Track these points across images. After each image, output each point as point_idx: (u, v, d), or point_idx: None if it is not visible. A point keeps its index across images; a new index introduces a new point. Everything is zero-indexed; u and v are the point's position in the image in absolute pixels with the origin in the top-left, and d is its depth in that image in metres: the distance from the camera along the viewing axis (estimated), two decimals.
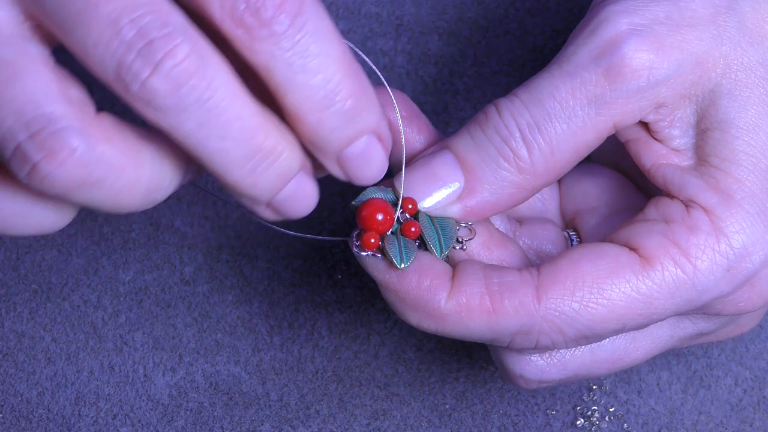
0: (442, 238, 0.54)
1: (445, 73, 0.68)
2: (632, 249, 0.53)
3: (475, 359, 0.66)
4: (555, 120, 0.53)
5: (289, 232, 0.57)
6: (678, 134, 0.54)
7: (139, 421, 0.65)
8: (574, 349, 0.56)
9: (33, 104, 0.46)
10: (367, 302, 0.67)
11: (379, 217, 0.53)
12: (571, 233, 0.58)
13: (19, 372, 0.66)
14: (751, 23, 0.53)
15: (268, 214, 0.51)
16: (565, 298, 0.52)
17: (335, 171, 0.51)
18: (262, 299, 0.66)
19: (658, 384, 0.65)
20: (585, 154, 0.54)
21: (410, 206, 0.54)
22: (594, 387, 0.65)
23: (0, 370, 0.66)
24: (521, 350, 0.55)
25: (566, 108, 0.53)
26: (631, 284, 0.52)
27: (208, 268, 0.67)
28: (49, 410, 0.65)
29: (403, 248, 0.53)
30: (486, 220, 0.56)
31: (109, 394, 0.65)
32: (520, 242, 0.58)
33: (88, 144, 0.46)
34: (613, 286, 0.52)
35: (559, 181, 0.60)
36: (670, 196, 0.54)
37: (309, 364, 0.65)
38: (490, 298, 0.52)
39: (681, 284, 0.52)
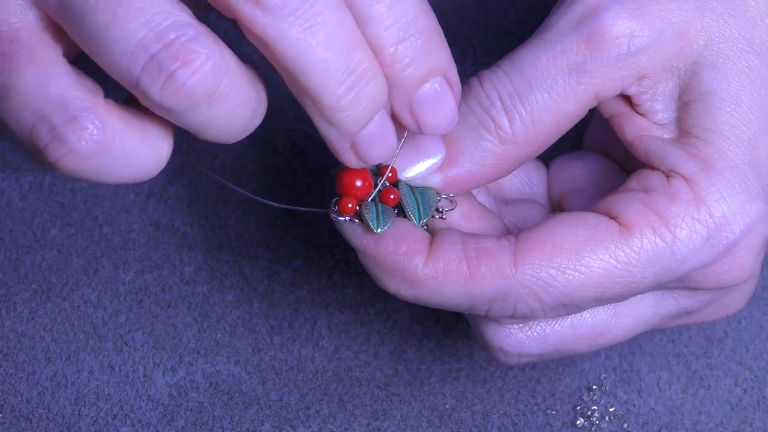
0: (421, 206, 0.54)
1: None
2: (612, 218, 0.53)
3: (475, 359, 0.66)
4: (536, 89, 0.53)
5: (274, 203, 0.57)
6: (660, 108, 0.54)
7: (139, 421, 0.65)
8: (554, 322, 0.55)
9: (163, 14, 0.46)
10: (367, 302, 0.67)
11: (358, 183, 0.53)
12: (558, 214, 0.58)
13: (19, 372, 0.66)
14: None
15: (351, 158, 0.51)
16: (543, 263, 0.52)
17: (406, 117, 0.51)
18: (262, 299, 0.66)
19: (658, 384, 0.65)
20: (567, 126, 0.53)
21: (390, 174, 0.54)
22: (594, 387, 0.65)
23: (0, 370, 0.66)
24: (500, 319, 0.54)
25: (547, 77, 0.52)
26: (609, 251, 0.52)
27: (208, 268, 0.67)
28: (49, 410, 0.65)
29: (380, 214, 0.53)
30: (468, 193, 0.56)
31: (109, 394, 0.65)
32: (505, 220, 0.58)
33: (220, 52, 0.47)
34: (592, 253, 0.52)
35: (548, 166, 0.60)
36: (651, 167, 0.54)
37: (309, 364, 0.65)
38: (467, 264, 0.52)
39: (660, 252, 0.52)
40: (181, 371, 0.65)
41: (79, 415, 0.65)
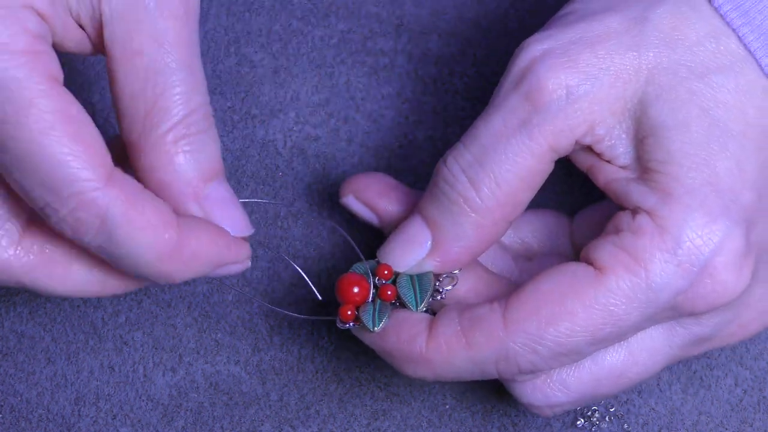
0: (418, 293, 0.57)
1: (445, 73, 0.68)
2: (589, 263, 0.54)
3: None
4: (492, 152, 0.55)
5: (294, 314, 0.59)
6: (622, 151, 0.55)
7: (139, 421, 0.65)
8: (571, 369, 0.57)
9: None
10: None
11: (355, 289, 0.58)
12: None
13: (19, 372, 0.66)
14: (668, 28, 0.54)
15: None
16: (529, 319, 0.54)
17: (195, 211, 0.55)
18: (262, 299, 0.66)
19: (658, 384, 0.65)
20: (535, 182, 0.55)
21: (386, 272, 0.58)
22: None
23: (0, 370, 0.66)
24: (513, 378, 0.57)
25: (501, 138, 0.54)
26: (588, 296, 0.54)
27: None
28: (49, 410, 0.65)
29: (376, 312, 0.57)
30: (475, 265, 0.59)
31: (109, 394, 0.65)
32: (525, 277, 0.60)
33: None
34: (572, 300, 0.54)
35: (572, 217, 0.61)
36: (623, 208, 0.55)
37: (309, 364, 0.65)
38: (464, 335, 0.55)
39: (636, 287, 0.53)
40: (181, 371, 0.65)
41: (79, 415, 0.65)
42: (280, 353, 0.66)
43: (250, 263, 0.56)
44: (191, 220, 0.53)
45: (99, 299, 0.66)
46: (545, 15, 0.68)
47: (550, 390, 0.57)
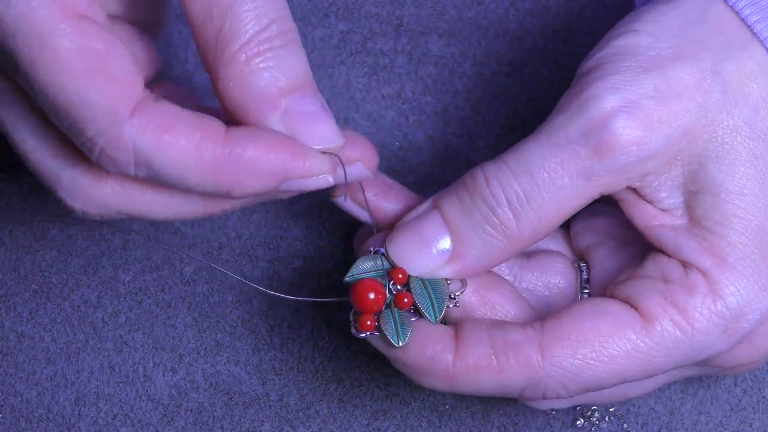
0: (435, 303, 0.56)
1: (445, 73, 0.68)
2: (633, 307, 0.54)
3: None
4: (543, 190, 0.54)
5: (296, 298, 0.57)
6: (665, 196, 0.55)
7: (139, 421, 0.65)
8: None
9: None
10: None
11: (371, 296, 0.55)
12: (581, 265, 0.59)
13: (19, 372, 0.66)
14: (735, 83, 0.53)
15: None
16: (568, 356, 0.54)
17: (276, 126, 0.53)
18: (262, 299, 0.66)
19: None
20: (569, 216, 0.55)
21: (400, 276, 0.56)
22: None
23: (0, 370, 0.66)
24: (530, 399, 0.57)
25: (555, 178, 0.54)
26: (631, 343, 0.54)
27: (208, 268, 0.67)
28: (49, 410, 0.65)
29: (398, 324, 0.55)
30: None
31: (109, 394, 0.65)
32: (529, 275, 0.60)
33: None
34: (614, 345, 0.54)
35: (569, 222, 0.61)
36: (666, 254, 0.55)
37: (309, 364, 0.66)
38: (497, 358, 0.54)
39: (679, 343, 0.54)
40: (181, 371, 0.65)
41: (79, 415, 0.65)
42: (280, 353, 0.66)
43: (332, 179, 0.53)
44: (247, 130, 0.51)
45: (99, 299, 0.66)
46: (545, 16, 0.68)
47: (554, 399, 0.58)
